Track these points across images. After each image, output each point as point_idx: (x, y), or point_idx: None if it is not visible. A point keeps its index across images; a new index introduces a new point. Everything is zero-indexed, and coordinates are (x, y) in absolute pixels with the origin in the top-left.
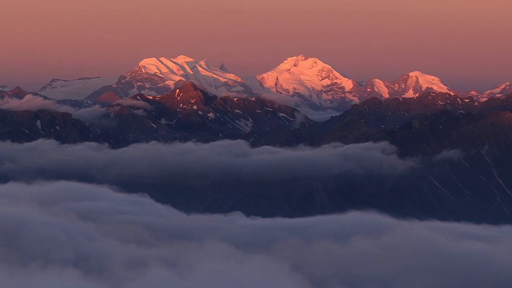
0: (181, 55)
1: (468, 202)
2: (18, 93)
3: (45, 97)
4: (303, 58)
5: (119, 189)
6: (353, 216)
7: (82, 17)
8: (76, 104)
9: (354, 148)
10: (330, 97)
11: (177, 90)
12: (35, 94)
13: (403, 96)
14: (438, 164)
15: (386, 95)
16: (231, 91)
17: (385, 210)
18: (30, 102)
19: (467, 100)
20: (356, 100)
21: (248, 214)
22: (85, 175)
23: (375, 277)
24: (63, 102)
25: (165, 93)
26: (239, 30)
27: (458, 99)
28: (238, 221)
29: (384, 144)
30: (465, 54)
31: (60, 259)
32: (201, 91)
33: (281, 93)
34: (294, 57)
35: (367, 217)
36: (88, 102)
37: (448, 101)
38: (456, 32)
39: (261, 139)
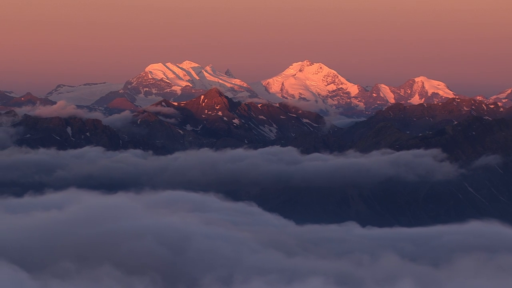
0: (187, 61)
1: (503, 209)
2: (31, 99)
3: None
4: (308, 63)
5: (225, 197)
6: (475, 226)
7: (88, 23)
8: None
9: (405, 155)
10: (336, 102)
11: (202, 96)
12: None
13: (408, 101)
14: (473, 170)
15: (392, 101)
16: (237, 96)
17: (420, 216)
18: (63, 109)
19: (492, 106)
20: (361, 105)
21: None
22: (137, 182)
23: None
24: (93, 109)
25: (190, 100)
26: (245, 36)
27: (483, 105)
28: (355, 231)
29: (435, 151)
30: (470, 59)
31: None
32: (226, 97)
33: (287, 98)
34: (300, 63)
35: (491, 227)
36: (100, 107)
37: (473, 107)
38: (461, 37)
39: (288, 145)
